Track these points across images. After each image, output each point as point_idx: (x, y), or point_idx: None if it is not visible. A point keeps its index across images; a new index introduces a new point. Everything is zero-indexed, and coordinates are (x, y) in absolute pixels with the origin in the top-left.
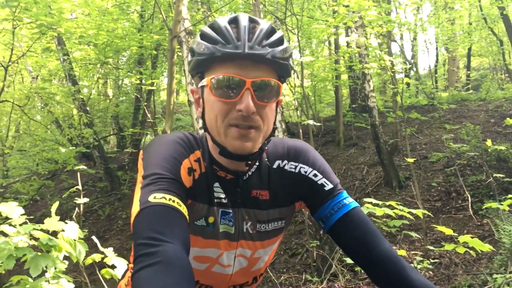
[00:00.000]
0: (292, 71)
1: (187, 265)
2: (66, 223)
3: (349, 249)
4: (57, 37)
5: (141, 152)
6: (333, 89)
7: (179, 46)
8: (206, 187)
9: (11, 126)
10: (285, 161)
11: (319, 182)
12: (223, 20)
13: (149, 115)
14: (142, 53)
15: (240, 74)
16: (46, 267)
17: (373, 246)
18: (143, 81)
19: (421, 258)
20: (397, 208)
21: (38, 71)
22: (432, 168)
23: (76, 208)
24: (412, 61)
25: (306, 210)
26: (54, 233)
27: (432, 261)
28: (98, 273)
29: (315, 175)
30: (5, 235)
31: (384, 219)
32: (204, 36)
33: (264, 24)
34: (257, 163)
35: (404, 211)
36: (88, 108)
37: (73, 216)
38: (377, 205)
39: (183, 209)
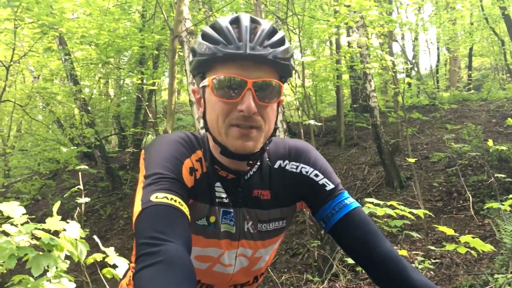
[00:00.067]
0: (293, 71)
1: (189, 265)
2: (68, 222)
3: (350, 249)
4: (58, 37)
5: (142, 152)
6: (334, 89)
7: (180, 46)
8: (207, 187)
9: (12, 126)
10: (286, 161)
11: (320, 182)
12: (224, 20)
13: (150, 115)
14: (143, 53)
15: (242, 75)
16: (47, 266)
17: (374, 246)
18: (145, 81)
19: (422, 258)
20: (398, 208)
21: (39, 71)
22: (434, 168)
23: (78, 208)
24: (414, 61)
25: (307, 210)
26: (56, 233)
27: (433, 261)
28: (99, 272)
29: (316, 175)
30: (7, 234)
31: (385, 219)
32: (205, 36)
33: (265, 25)
34: (258, 163)
35: (405, 211)
36: (89, 108)
37: (75, 216)
38: (378, 205)
39: (185, 208)
